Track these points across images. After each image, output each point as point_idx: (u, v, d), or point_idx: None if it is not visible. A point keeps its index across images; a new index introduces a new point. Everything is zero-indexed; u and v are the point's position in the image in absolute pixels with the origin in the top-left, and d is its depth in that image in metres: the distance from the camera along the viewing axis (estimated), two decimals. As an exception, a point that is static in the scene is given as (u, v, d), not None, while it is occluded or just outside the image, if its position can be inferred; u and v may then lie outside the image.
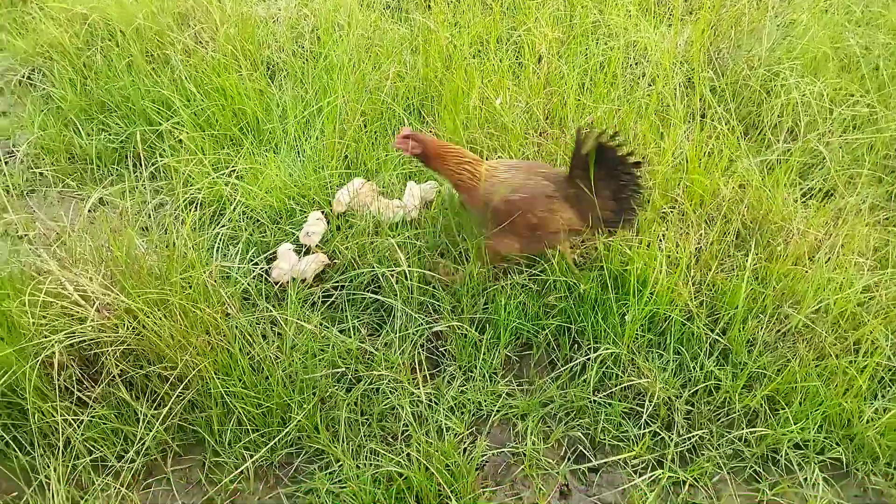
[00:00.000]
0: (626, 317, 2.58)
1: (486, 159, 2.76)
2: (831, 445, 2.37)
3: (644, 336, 2.61)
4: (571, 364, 2.57)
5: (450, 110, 3.11)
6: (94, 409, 2.24)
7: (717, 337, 2.58)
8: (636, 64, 3.60)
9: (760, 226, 2.92)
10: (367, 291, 2.76)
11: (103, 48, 3.81)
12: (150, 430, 2.26)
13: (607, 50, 3.56)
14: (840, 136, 3.25)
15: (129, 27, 3.83)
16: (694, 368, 2.52)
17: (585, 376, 2.51)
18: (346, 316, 2.71)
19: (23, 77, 4.03)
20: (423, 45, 3.59)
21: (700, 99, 3.31)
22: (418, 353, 2.66)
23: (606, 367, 2.54)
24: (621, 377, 2.50)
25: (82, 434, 2.23)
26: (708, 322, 2.63)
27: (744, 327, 2.58)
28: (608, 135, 2.41)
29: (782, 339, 2.61)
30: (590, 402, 2.47)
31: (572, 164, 2.53)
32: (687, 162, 2.90)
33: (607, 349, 2.52)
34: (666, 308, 2.59)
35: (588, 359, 2.53)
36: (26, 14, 4.41)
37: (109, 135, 3.48)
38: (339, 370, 2.50)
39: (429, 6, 4.14)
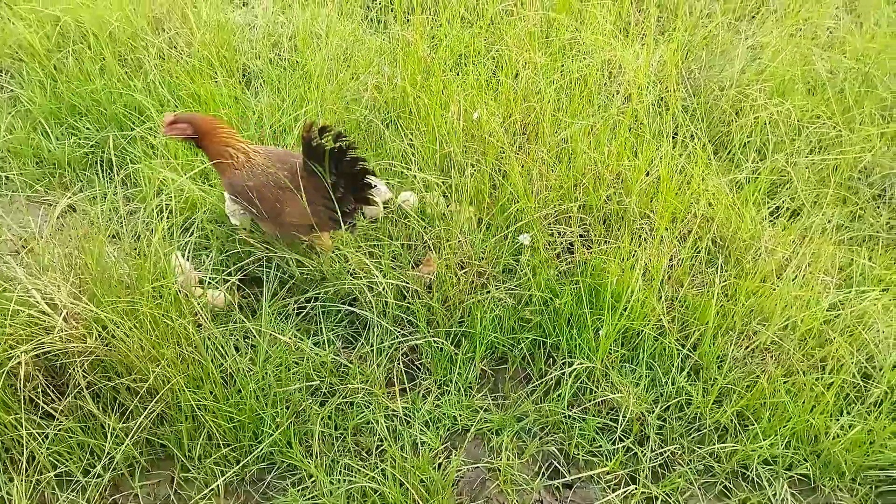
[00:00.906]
0: (600, 332, 2.61)
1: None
2: (799, 461, 2.42)
3: (618, 351, 2.64)
4: (546, 378, 2.59)
5: (428, 123, 3.11)
6: (60, 422, 2.17)
7: (688, 352, 2.62)
8: (611, 81, 3.66)
9: (730, 243, 2.99)
10: (342, 303, 2.74)
11: (75, 51, 3.72)
12: (119, 445, 2.20)
13: (583, 67, 3.61)
14: (807, 157, 3.34)
15: (102, 30, 3.75)
16: (666, 384, 2.56)
17: (560, 391, 2.53)
18: (321, 328, 2.68)
19: (-11, 78, 3.92)
20: (401, 58, 3.60)
21: (672, 118, 3.38)
22: (394, 366, 2.65)
23: (581, 382, 2.56)
24: (595, 392, 2.52)
25: (47, 448, 2.17)
26: (679, 338, 2.67)
27: (714, 343, 2.63)
28: (331, 134, 2.48)
29: (751, 356, 2.67)
30: (564, 416, 2.49)
31: (304, 155, 2.59)
32: (659, 180, 2.95)
33: (581, 364, 2.54)
34: (639, 323, 2.63)
35: (563, 374, 2.54)
36: (-7, 13, 4.30)
37: (79, 139, 3.40)
38: (313, 383, 2.47)
39: (407, 19, 4.15)
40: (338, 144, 2.49)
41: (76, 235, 2.32)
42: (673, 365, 2.59)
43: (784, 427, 2.44)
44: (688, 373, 2.60)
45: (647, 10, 4.18)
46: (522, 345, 2.66)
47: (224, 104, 3.41)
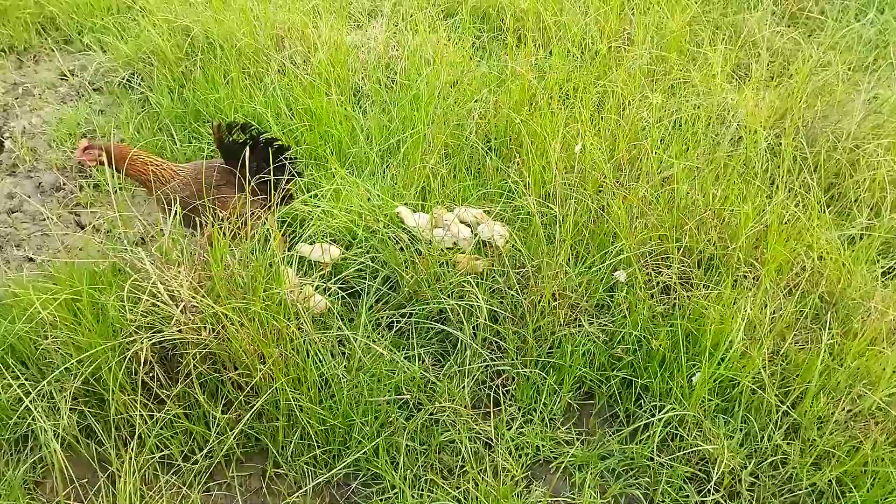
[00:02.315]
0: (694, 378, 2.55)
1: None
2: (902, 536, 2.28)
3: (711, 400, 2.57)
4: (634, 420, 2.55)
5: (531, 152, 3.15)
6: (169, 408, 2.31)
7: (787, 410, 2.52)
8: (720, 124, 3.60)
9: (838, 301, 2.87)
10: (434, 321, 2.79)
11: (202, 60, 3.99)
12: (220, 435, 2.32)
13: (691, 107, 3.57)
14: (926, 219, 3.18)
15: (228, 43, 4.01)
16: (762, 440, 2.47)
17: (648, 433, 2.48)
18: (413, 343, 2.74)
19: (123, 79, 4.25)
20: (508, 87, 3.67)
21: (781, 166, 3.29)
22: (480, 389, 2.68)
23: (671, 428, 2.51)
24: (686, 440, 2.46)
25: (155, 431, 2.30)
26: (779, 393, 2.57)
27: (816, 403, 2.52)
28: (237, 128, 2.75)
29: (854, 420, 2.54)
30: (651, 461, 2.44)
31: (222, 156, 2.84)
32: (768, 228, 2.88)
33: (672, 409, 2.49)
34: (737, 374, 2.56)
35: (653, 417, 2.49)
36: (131, 20, 4.67)
37: (201, 143, 3.63)
38: (402, 397, 2.52)
39: (515, 45, 4.22)
40: (249, 134, 2.75)
41: (201, 234, 2.48)
42: (770, 421, 2.50)
43: (886, 500, 2.31)
44: (785, 431, 2.50)
45: (759, 55, 4.10)
46: (612, 382, 2.63)
47: (335, 120, 3.57)
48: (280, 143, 2.82)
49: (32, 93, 4.29)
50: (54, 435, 2.18)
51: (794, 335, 2.73)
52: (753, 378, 2.55)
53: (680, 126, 3.50)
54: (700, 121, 3.49)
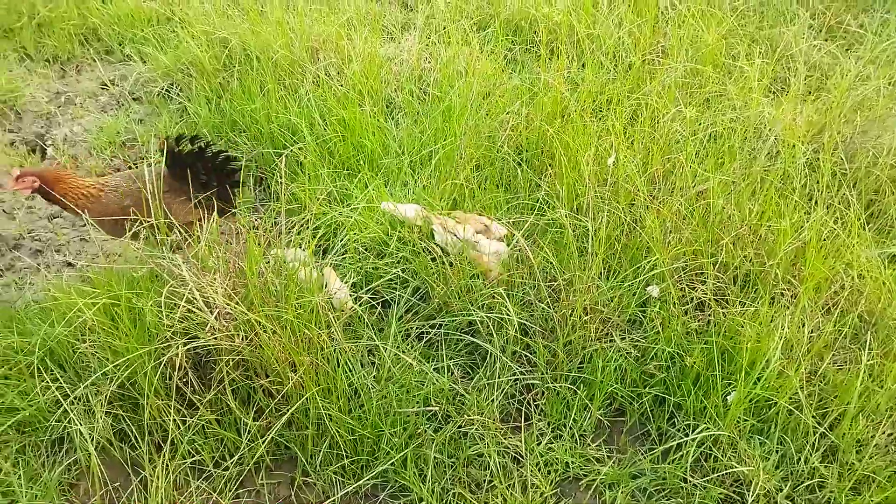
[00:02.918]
0: (729, 398, 2.50)
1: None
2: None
3: (747, 420, 2.51)
4: (667, 439, 2.51)
5: (562, 165, 3.14)
6: (202, 413, 2.33)
7: (824, 432, 2.46)
8: (756, 138, 3.55)
9: (878, 320, 2.79)
10: (463, 332, 2.78)
11: (239, 71, 4.07)
12: (252, 442, 2.33)
13: (727, 121, 3.53)
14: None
15: (265, 55, 4.08)
16: (798, 462, 2.41)
17: (681, 453, 2.44)
18: (442, 354, 2.74)
19: (162, 90, 4.35)
20: (540, 99, 3.66)
21: (820, 181, 3.23)
22: (509, 402, 2.66)
23: (705, 447, 2.46)
24: (720, 460, 2.41)
25: (188, 436, 2.33)
26: (816, 415, 2.51)
27: (855, 425, 2.45)
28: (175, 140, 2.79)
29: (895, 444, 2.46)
30: (684, 482, 2.39)
31: (168, 165, 2.87)
32: (806, 245, 2.82)
33: (707, 429, 2.44)
34: (773, 394, 2.50)
35: (686, 437, 2.45)
36: (170, 32, 4.78)
37: (237, 152, 3.69)
38: (431, 409, 2.51)
39: (548, 58, 4.22)
40: (197, 145, 2.81)
41: (236, 242, 2.51)
42: (807, 443, 2.43)
43: (931, 529, 2.23)
44: (823, 453, 2.43)
45: (797, 69, 4.04)
46: (644, 399, 2.59)
47: (368, 131, 3.60)
48: (227, 154, 2.91)
49: (74, 101, 4.41)
50: (89, 438, 2.22)
51: (833, 355, 2.67)
52: (790, 398, 2.49)
53: (715, 140, 3.46)
54: (736, 134, 3.44)
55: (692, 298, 2.82)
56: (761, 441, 2.50)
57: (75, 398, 2.31)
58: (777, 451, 2.46)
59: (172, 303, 2.37)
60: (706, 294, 2.76)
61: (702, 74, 3.88)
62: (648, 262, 2.78)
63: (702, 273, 2.87)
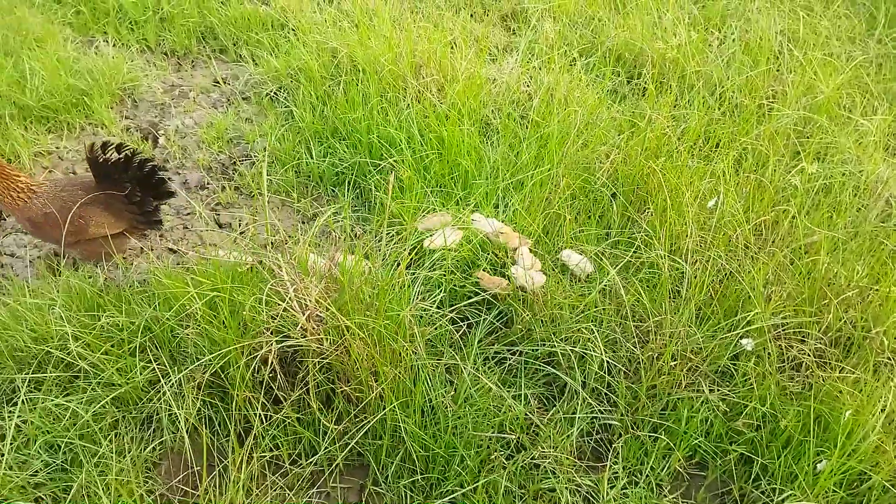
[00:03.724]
0: (819, 466, 2.37)
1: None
2: None
3: (836, 493, 2.37)
4: (749, 502, 2.40)
5: (668, 205, 3.07)
6: (287, 412, 2.39)
7: (927, 518, 2.29)
8: (868, 196, 3.38)
9: None
10: (544, 363, 2.75)
11: (345, 81, 4.19)
12: (329, 445, 2.37)
13: (838, 175, 3.38)
14: None
15: (371, 67, 4.19)
16: (894, 546, 2.25)
17: (764, 518, 2.32)
18: (520, 382, 2.71)
19: (270, 92, 4.53)
20: (643, 134, 3.61)
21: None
22: (584, 440, 2.61)
23: (790, 515, 2.34)
24: (806, 531, 2.28)
25: (270, 431, 2.39)
26: (918, 498, 2.34)
27: (961, 515, 2.28)
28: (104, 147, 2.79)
29: None
30: (766, 548, 2.28)
31: (94, 174, 2.86)
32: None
33: (793, 496, 2.32)
34: (869, 468, 2.35)
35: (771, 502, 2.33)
36: (282, 38, 4.99)
37: (335, 159, 3.80)
38: (506, 436, 2.49)
39: (657, 94, 4.16)
40: (124, 154, 2.80)
41: (333, 246, 2.57)
42: (906, 527, 2.28)
43: None
44: (921, 540, 2.27)
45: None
46: (729, 457, 2.49)
47: (464, 150, 3.63)
48: (154, 164, 2.94)
49: (188, 95, 4.65)
50: (176, 420, 2.31)
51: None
52: (888, 475, 2.33)
53: (826, 193, 3.31)
54: (848, 190, 3.29)
55: (789, 357, 2.69)
56: (853, 518, 2.35)
57: (169, 381, 2.41)
58: (869, 531, 2.31)
59: (268, 300, 2.45)
60: (805, 354, 2.63)
61: (815, 124, 3.73)
62: (746, 314, 2.67)
63: (801, 331, 2.75)
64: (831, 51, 4.52)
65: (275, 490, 2.35)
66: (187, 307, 2.45)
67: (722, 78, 4.18)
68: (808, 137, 3.77)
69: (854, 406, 2.40)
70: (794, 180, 3.17)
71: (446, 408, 2.51)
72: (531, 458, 2.49)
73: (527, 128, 3.90)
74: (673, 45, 4.32)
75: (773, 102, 3.94)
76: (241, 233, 3.51)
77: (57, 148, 3.99)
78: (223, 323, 2.44)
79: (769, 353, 2.61)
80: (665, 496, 2.45)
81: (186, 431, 2.36)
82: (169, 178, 3.12)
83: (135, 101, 4.54)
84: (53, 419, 2.41)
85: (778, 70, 4.31)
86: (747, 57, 4.35)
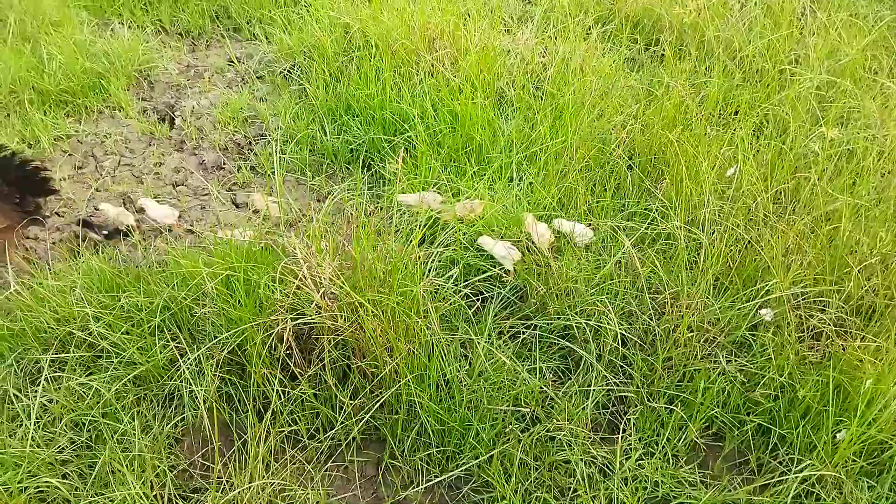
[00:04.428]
0: (839, 435, 2.34)
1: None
2: None
3: (856, 461, 2.35)
4: (766, 471, 2.39)
5: (683, 176, 3.02)
6: (303, 387, 2.43)
7: (948, 486, 2.26)
8: (894, 162, 3.28)
9: None
10: (558, 336, 2.75)
11: (358, 57, 4.16)
12: (346, 420, 2.41)
13: (861, 139, 3.28)
14: None
15: (383, 42, 4.16)
16: (915, 515, 2.23)
17: (781, 488, 2.31)
18: (535, 356, 2.71)
19: (284, 70, 4.52)
20: (660, 103, 3.54)
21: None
22: (600, 412, 2.61)
23: (808, 484, 2.32)
24: (824, 500, 2.27)
25: (288, 407, 2.43)
26: (939, 467, 2.31)
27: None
28: None
29: None
30: (783, 517, 2.27)
31: None
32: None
33: (812, 465, 2.30)
34: (889, 437, 2.32)
35: (788, 471, 2.32)
36: (296, 14, 4.96)
37: (348, 136, 3.79)
38: (521, 409, 2.50)
39: (675, 61, 4.07)
40: (3, 155, 2.83)
41: (346, 223, 2.58)
42: (927, 496, 2.25)
43: None
44: (944, 508, 2.24)
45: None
46: (747, 427, 2.47)
47: (479, 124, 3.60)
48: (35, 163, 2.98)
49: (203, 75, 4.66)
50: (196, 398, 2.36)
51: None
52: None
53: (848, 159, 3.22)
54: (871, 155, 3.19)
55: (809, 327, 2.65)
56: (871, 486, 2.33)
57: (189, 359, 2.46)
58: (888, 498, 2.29)
59: (283, 279, 2.47)
60: (825, 324, 2.59)
61: (839, 88, 3.62)
62: (765, 284, 2.64)
63: (821, 301, 2.70)
64: (857, 11, 4.37)
65: (294, 464, 2.39)
66: (197, 284, 2.48)
67: (743, 43, 4.07)
68: (831, 102, 3.66)
69: (875, 375, 2.36)
70: (814, 146, 3.09)
71: (461, 382, 2.52)
72: (546, 431, 2.50)
73: (542, 99, 3.85)
74: (692, 8, 4.20)
75: (795, 67, 3.83)
76: (254, 212, 3.54)
77: (76, 132, 4.04)
78: (239, 302, 2.48)
79: (788, 323, 2.58)
80: (681, 466, 2.45)
81: (206, 408, 2.42)
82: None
83: (151, 82, 4.57)
84: (77, 398, 2.48)
85: (801, 33, 4.18)
86: (769, 20, 4.22)
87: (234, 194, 3.68)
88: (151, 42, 4.86)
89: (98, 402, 2.40)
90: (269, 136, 4.00)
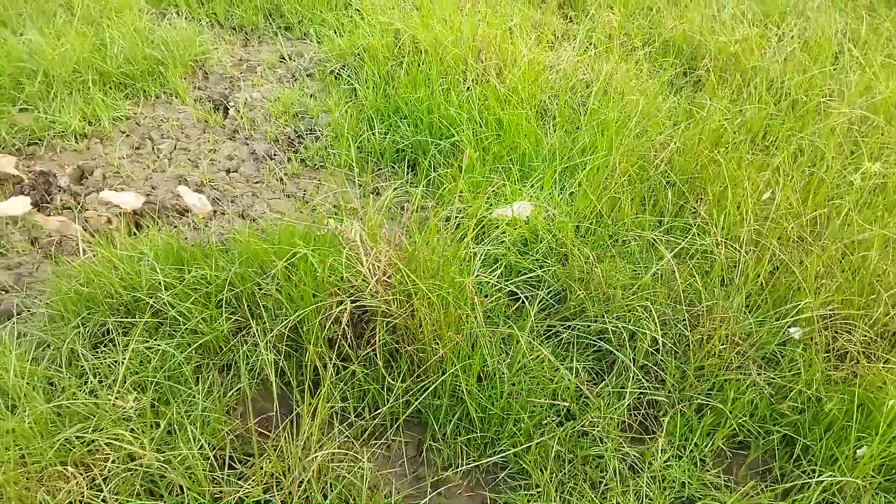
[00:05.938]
0: (860, 451, 2.46)
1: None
2: None
3: (875, 478, 2.47)
4: (788, 479, 2.51)
5: (729, 196, 3.15)
6: (354, 368, 2.57)
7: (964, 507, 2.37)
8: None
9: None
10: (595, 338, 2.88)
11: (408, 62, 4.33)
12: (396, 401, 2.55)
13: (892, 174, 3.42)
14: None
15: (433, 49, 4.33)
16: (931, 531, 2.34)
17: (803, 496, 2.43)
18: (572, 356, 2.84)
19: (334, 70, 4.70)
20: (700, 126, 3.69)
21: None
22: (631, 413, 2.74)
23: (828, 493, 2.44)
24: (844, 510, 2.39)
25: (338, 385, 2.57)
26: (956, 488, 2.43)
27: None
28: None
29: None
30: (804, 523, 2.39)
31: None
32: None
33: (832, 476, 2.42)
34: (909, 456, 2.44)
35: (810, 481, 2.44)
36: (346, 18, 5.15)
37: (395, 137, 3.95)
38: (559, 403, 2.63)
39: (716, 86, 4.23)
40: None
41: (404, 215, 2.73)
42: (943, 514, 2.36)
43: None
44: (959, 528, 2.36)
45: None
46: (772, 437, 2.59)
47: (522, 133, 3.75)
48: None
49: (255, 70, 4.84)
50: (253, 368, 2.50)
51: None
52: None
53: (880, 193, 3.36)
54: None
55: (835, 347, 2.78)
56: (888, 501, 2.44)
57: (249, 332, 2.60)
58: (907, 516, 2.41)
59: (342, 263, 2.62)
60: (852, 344, 2.71)
61: (871, 123, 3.76)
62: (795, 304, 2.77)
63: (848, 323, 2.83)
64: (891, 52, 4.52)
65: (341, 437, 2.53)
66: (267, 266, 2.63)
67: (780, 74, 4.22)
68: (863, 137, 3.80)
69: (898, 396, 2.49)
70: (853, 178, 3.23)
71: (502, 374, 2.66)
72: (580, 427, 2.63)
73: (584, 114, 4.00)
74: (734, 38, 4.36)
75: (830, 100, 3.97)
76: (305, 201, 3.70)
77: (134, 114, 4.22)
78: (301, 282, 2.62)
79: (816, 343, 2.70)
80: (708, 470, 2.57)
81: (262, 379, 2.56)
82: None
83: (206, 72, 4.75)
84: (141, 361, 2.62)
85: (835, 69, 4.33)
86: (805, 55, 4.37)
87: (284, 184, 3.83)
88: (206, 34, 5.04)
89: (163, 367, 2.54)
90: (319, 131, 4.16)
